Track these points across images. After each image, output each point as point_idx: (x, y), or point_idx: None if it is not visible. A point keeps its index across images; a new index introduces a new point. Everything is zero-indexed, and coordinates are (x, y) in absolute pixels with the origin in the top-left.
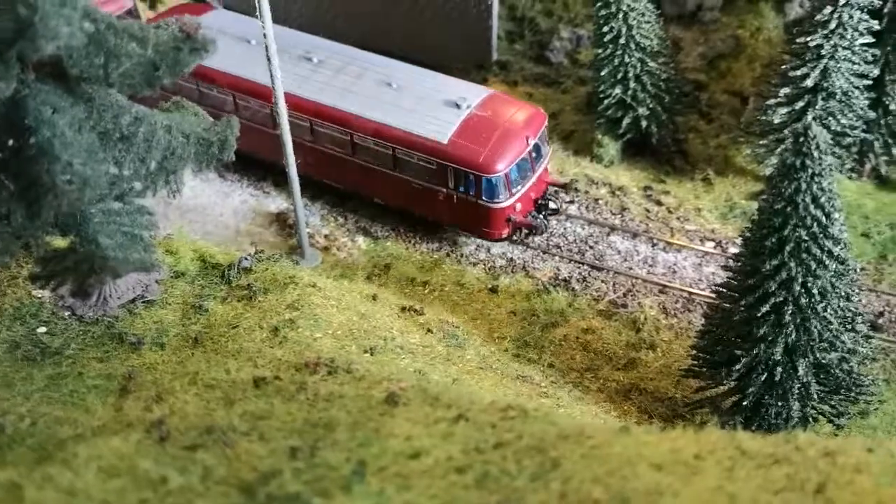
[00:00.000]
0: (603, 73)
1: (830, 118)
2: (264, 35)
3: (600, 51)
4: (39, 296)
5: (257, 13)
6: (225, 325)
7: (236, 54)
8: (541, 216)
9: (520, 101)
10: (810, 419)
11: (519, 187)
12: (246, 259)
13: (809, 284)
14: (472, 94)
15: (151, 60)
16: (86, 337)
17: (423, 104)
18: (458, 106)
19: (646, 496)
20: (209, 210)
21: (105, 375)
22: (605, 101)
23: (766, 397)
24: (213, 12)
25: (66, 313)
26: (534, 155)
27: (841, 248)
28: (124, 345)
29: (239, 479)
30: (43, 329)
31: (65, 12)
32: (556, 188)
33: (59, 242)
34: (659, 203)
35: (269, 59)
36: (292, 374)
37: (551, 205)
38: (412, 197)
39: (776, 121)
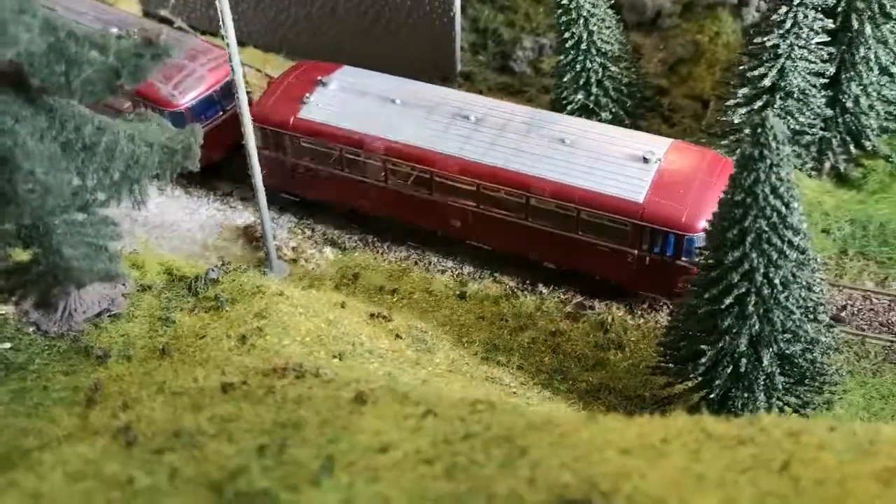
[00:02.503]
0: (566, 79)
1: (789, 117)
2: (227, 45)
3: (562, 57)
4: (3, 312)
5: (221, 32)
6: (192, 335)
7: (385, 117)
8: None
9: (702, 148)
10: (776, 410)
11: None
12: (213, 271)
13: (771, 275)
14: (656, 146)
15: (113, 67)
16: (51, 352)
17: (605, 160)
18: (645, 160)
19: (613, 479)
20: (176, 226)
21: (71, 388)
22: (569, 107)
23: (733, 390)
24: (341, 70)
25: (31, 329)
26: None
27: (801, 238)
28: (90, 358)
29: (207, 477)
30: (7, 345)
31: (24, 19)
32: None
33: (22, 256)
34: None
35: (232, 70)
36: (260, 380)
37: None
38: (594, 259)
39: (736, 121)
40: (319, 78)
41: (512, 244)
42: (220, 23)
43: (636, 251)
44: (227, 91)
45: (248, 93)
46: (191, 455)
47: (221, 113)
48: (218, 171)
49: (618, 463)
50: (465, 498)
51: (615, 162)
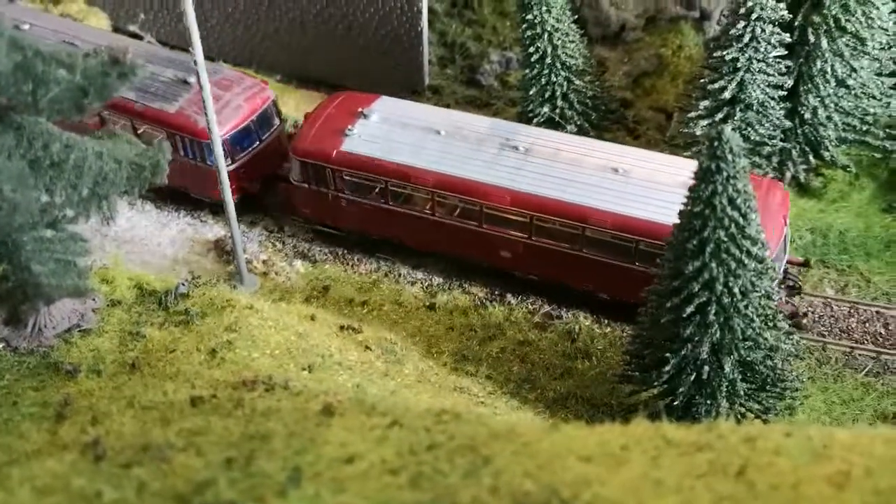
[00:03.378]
0: (531, 93)
1: (749, 128)
2: (195, 60)
3: (528, 71)
4: None
5: (190, 47)
6: (163, 349)
7: (431, 148)
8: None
9: (760, 177)
10: (739, 417)
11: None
12: (183, 285)
13: (731, 284)
14: None
15: (80, 86)
16: (21, 367)
17: (659, 189)
18: None
19: (574, 486)
20: (146, 241)
21: (40, 403)
22: (535, 120)
23: (697, 396)
24: (381, 101)
25: (1, 345)
26: (787, 235)
27: (758, 248)
28: (60, 373)
29: (174, 490)
30: None
31: None
32: (796, 266)
33: None
34: None
35: (201, 87)
36: (230, 393)
37: (789, 283)
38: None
39: (698, 132)
40: (360, 109)
41: (564, 275)
42: (188, 38)
43: None
44: (263, 120)
45: (282, 120)
46: (158, 469)
47: (258, 143)
48: (256, 202)
49: (578, 470)
50: None
51: (670, 190)
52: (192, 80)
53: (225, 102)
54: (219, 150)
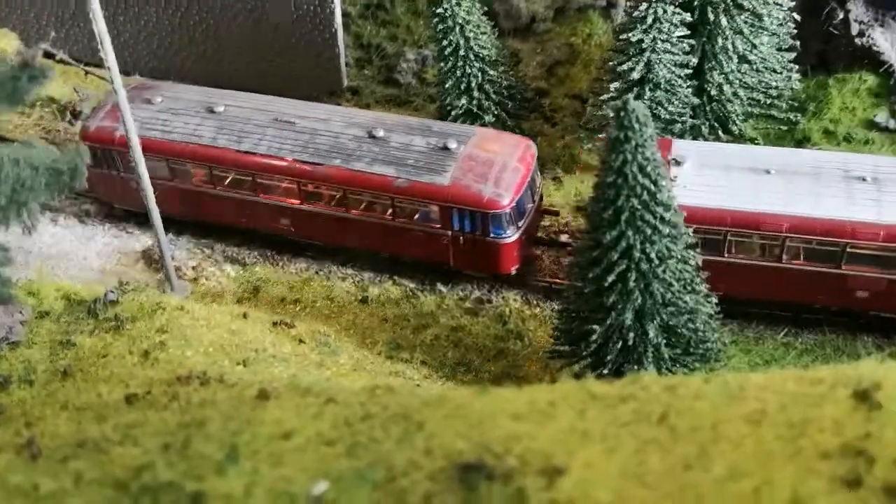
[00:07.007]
0: (448, 86)
1: (659, 107)
2: (109, 70)
3: (443, 64)
4: None
5: (104, 60)
6: (94, 355)
7: (771, 190)
8: None
9: None
10: None
11: None
12: (111, 292)
13: (647, 250)
14: None
15: None
16: None
17: None
18: None
19: (505, 442)
20: (72, 255)
21: None
22: (454, 113)
23: (625, 364)
24: (677, 144)
25: None
26: None
27: (672, 214)
28: None
29: (113, 477)
30: None
31: None
32: None
33: None
34: None
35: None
36: (165, 389)
37: None
38: None
39: (610, 114)
40: (670, 157)
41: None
42: (101, 53)
43: None
44: (533, 179)
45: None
46: (96, 460)
47: (531, 204)
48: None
49: (509, 428)
50: (365, 472)
51: None
52: (454, 146)
53: (501, 165)
54: (139, 159)
